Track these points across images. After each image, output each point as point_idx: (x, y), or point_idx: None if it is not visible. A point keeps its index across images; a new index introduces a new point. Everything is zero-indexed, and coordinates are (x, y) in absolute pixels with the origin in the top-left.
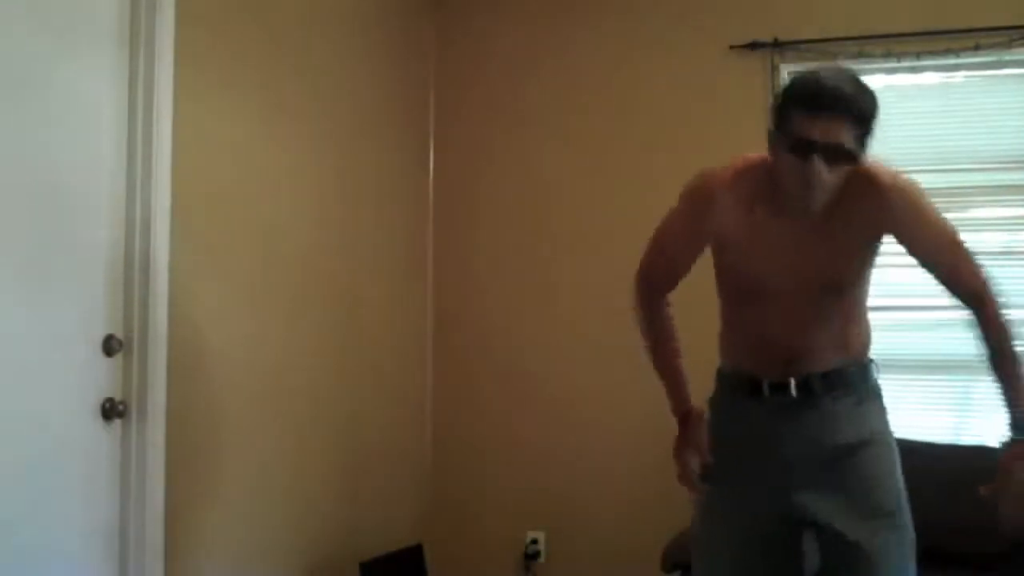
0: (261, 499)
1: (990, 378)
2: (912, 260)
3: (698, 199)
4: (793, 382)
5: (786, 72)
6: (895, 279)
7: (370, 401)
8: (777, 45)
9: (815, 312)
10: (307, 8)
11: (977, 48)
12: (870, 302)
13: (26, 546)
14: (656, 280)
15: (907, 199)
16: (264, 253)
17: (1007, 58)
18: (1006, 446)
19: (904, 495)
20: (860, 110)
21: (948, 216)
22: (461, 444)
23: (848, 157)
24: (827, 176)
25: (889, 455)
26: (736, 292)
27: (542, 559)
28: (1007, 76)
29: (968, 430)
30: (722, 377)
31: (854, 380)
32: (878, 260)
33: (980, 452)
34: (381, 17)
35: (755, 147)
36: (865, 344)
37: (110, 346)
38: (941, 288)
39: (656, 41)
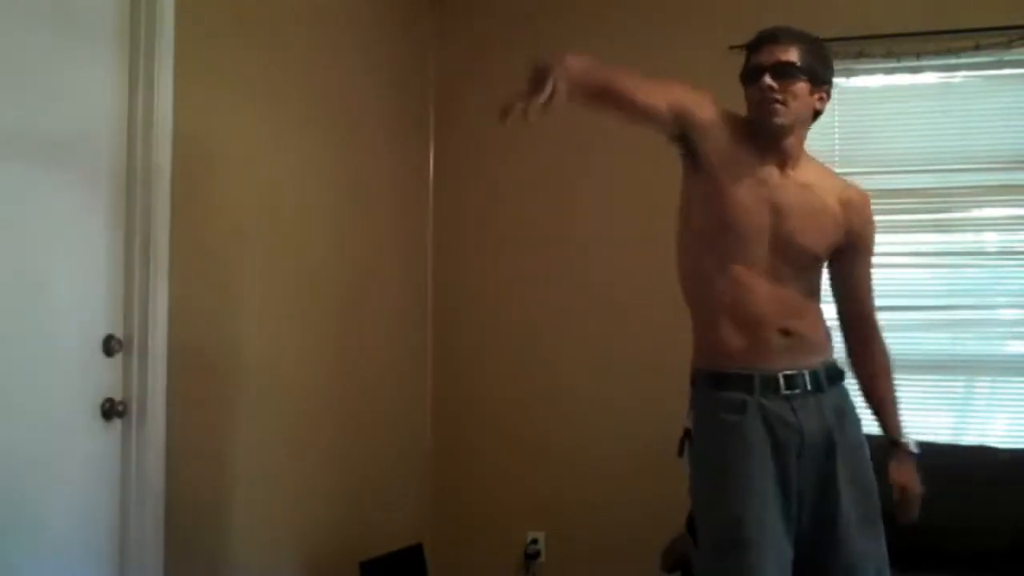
0: (261, 499)
1: (868, 400)
2: (911, 261)
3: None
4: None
5: None
6: (895, 279)
7: (370, 401)
8: None
9: (798, 284)
10: (307, 8)
11: (977, 48)
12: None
13: (26, 546)
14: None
15: (870, 215)
16: (264, 253)
17: (1007, 58)
18: (899, 461)
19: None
20: (803, 40)
21: (948, 216)
22: (461, 444)
23: (796, 71)
24: (778, 88)
25: None
26: (720, 249)
27: (542, 559)
28: (1007, 76)
29: (968, 430)
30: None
31: None
32: (877, 260)
33: (980, 452)
34: (381, 17)
35: None
36: None
37: (110, 346)
38: (837, 297)
39: (656, 41)
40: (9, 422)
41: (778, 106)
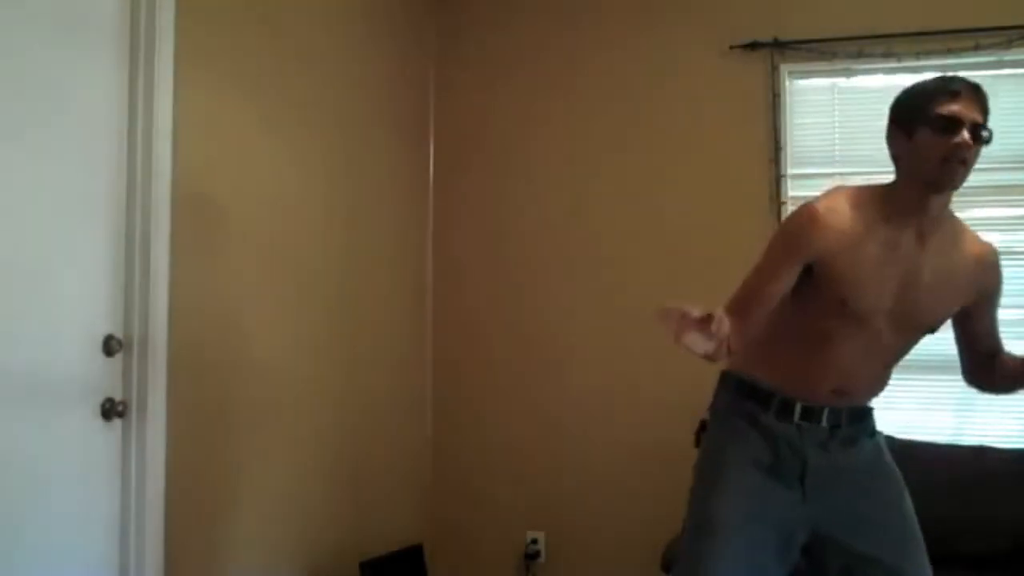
0: (261, 499)
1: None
2: None
3: (799, 227)
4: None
5: (786, 72)
6: None
7: (370, 401)
8: (777, 45)
9: (898, 349)
10: (307, 7)
11: (977, 48)
12: None
13: (27, 546)
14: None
15: (1000, 269)
16: (264, 253)
17: (1007, 58)
18: None
19: None
20: (985, 102)
21: None
22: (461, 444)
23: (986, 138)
24: (972, 151)
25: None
26: (826, 314)
27: (542, 559)
28: (1007, 76)
29: (968, 430)
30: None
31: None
32: None
33: (980, 452)
34: (381, 17)
35: (756, 147)
36: None
37: (110, 346)
38: (966, 340)
39: (656, 41)
40: (9, 422)
41: (963, 169)
